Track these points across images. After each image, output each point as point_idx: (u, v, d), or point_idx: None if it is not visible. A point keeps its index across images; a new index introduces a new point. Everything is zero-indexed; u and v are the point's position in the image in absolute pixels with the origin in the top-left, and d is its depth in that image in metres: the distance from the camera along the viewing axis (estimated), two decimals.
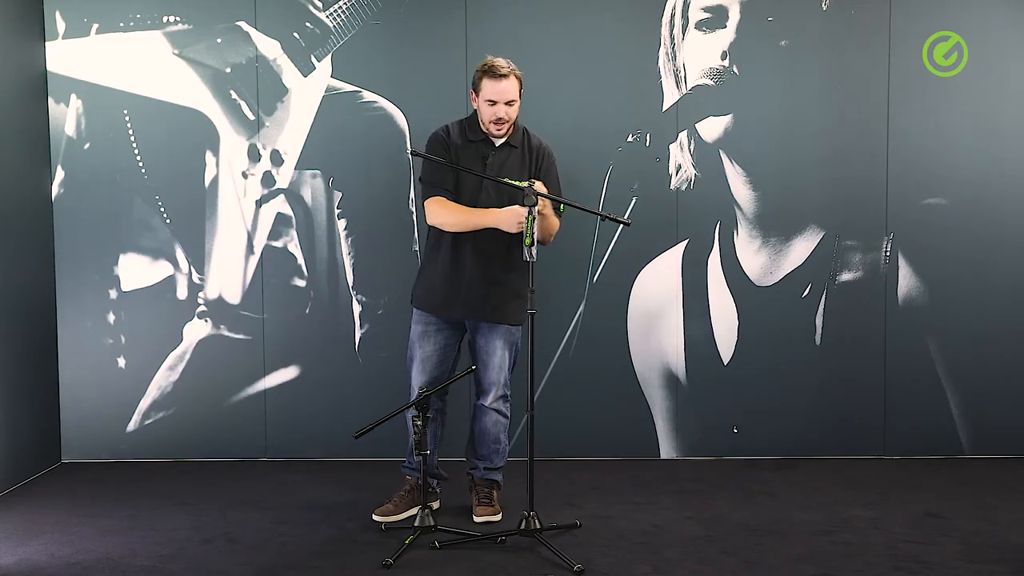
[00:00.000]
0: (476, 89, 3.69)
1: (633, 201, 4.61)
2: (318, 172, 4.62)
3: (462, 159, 3.70)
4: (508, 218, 3.56)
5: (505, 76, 3.62)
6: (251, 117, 4.60)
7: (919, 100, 4.61)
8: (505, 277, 3.72)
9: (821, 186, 4.63)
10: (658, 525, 3.71)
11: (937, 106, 4.61)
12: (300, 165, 4.61)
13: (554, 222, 3.72)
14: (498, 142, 3.74)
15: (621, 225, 3.74)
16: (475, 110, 3.76)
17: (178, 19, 4.58)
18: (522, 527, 3.46)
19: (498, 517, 3.77)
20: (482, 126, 3.73)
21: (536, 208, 3.43)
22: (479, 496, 3.83)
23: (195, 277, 4.64)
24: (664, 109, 4.60)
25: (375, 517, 3.77)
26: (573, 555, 3.30)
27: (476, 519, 3.75)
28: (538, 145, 3.79)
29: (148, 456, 4.67)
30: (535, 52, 4.58)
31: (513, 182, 3.58)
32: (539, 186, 3.54)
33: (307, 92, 4.59)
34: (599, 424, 4.67)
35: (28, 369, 4.41)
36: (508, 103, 3.64)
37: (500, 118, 3.65)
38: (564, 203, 3.64)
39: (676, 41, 4.58)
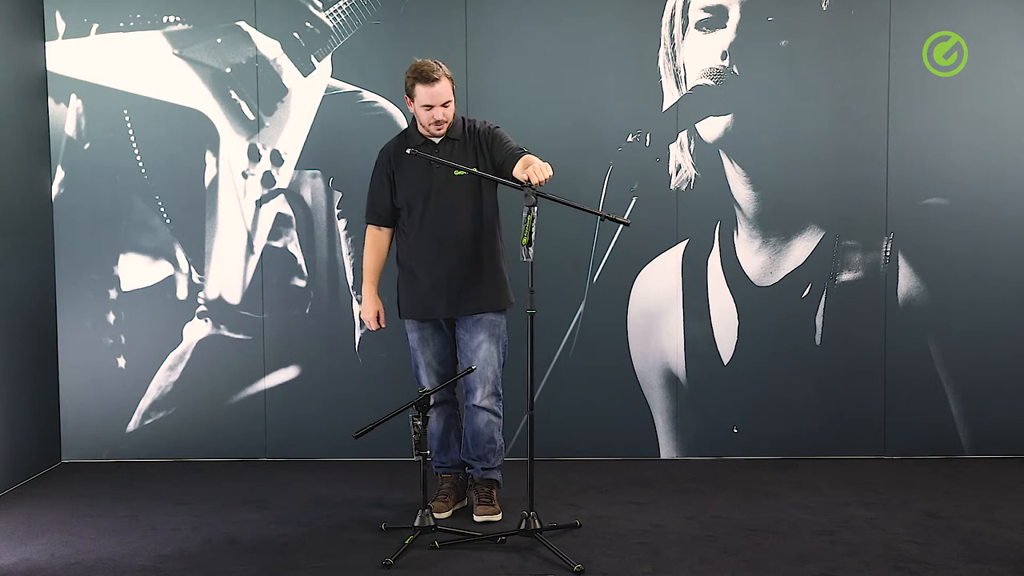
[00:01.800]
0: (410, 95, 3.71)
1: (633, 201, 4.61)
2: (318, 172, 4.62)
3: (407, 168, 3.74)
4: (364, 305, 3.90)
5: (437, 80, 3.64)
6: (251, 117, 4.60)
7: (919, 100, 4.61)
8: (476, 267, 3.75)
9: (821, 186, 4.63)
10: (658, 525, 3.71)
11: (937, 106, 4.61)
12: (300, 165, 4.61)
13: (539, 166, 3.46)
14: (438, 139, 3.76)
15: (621, 225, 3.76)
16: (412, 120, 3.80)
17: (178, 19, 4.58)
18: (522, 527, 3.46)
19: (498, 517, 3.77)
20: (421, 129, 3.76)
21: (534, 208, 3.42)
22: (479, 496, 3.83)
23: (195, 277, 4.64)
24: (664, 109, 4.60)
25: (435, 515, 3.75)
26: (573, 555, 3.30)
27: (476, 518, 3.75)
28: (479, 128, 3.81)
29: (148, 456, 4.67)
30: (535, 52, 4.58)
31: (511, 182, 3.58)
32: (531, 171, 3.43)
33: (307, 92, 4.59)
34: (599, 424, 4.66)
35: (28, 369, 4.41)
36: (444, 104, 3.67)
37: (439, 120, 3.69)
38: (564, 203, 3.62)
39: (676, 41, 4.58)
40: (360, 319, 3.94)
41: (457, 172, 3.68)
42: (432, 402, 3.75)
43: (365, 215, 3.90)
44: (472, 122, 3.82)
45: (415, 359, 3.88)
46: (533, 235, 3.36)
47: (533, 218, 3.39)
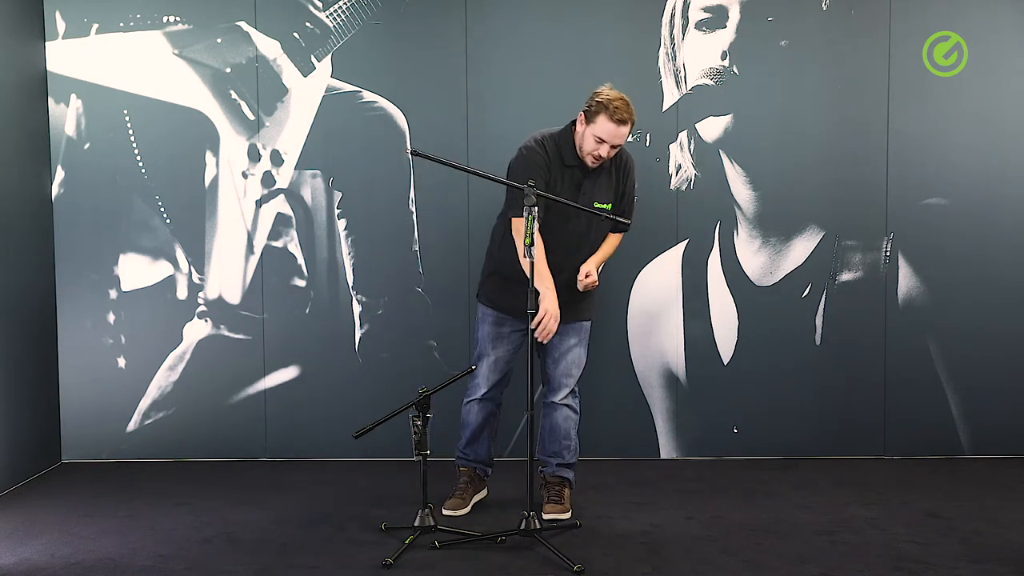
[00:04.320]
0: (589, 118, 3.57)
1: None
2: (318, 172, 4.62)
3: (557, 183, 3.64)
4: (548, 306, 3.48)
5: (625, 124, 3.54)
6: (251, 117, 4.60)
7: (919, 100, 4.61)
8: (576, 285, 3.72)
9: (821, 186, 4.63)
10: (658, 525, 3.71)
11: (937, 106, 4.61)
12: (300, 165, 4.61)
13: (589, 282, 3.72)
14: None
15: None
16: (568, 128, 3.67)
17: (178, 19, 4.58)
18: (522, 527, 3.46)
19: (567, 516, 3.76)
20: (578, 151, 3.64)
21: (535, 209, 3.42)
22: (550, 494, 3.83)
23: (195, 277, 4.64)
24: (664, 109, 4.60)
25: (445, 512, 3.78)
26: (573, 555, 3.30)
27: (544, 516, 3.73)
28: (623, 159, 3.77)
29: (148, 456, 4.67)
30: (535, 52, 4.58)
31: (513, 182, 3.56)
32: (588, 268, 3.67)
33: (307, 92, 4.59)
34: (599, 424, 4.67)
35: (28, 369, 4.41)
36: (614, 146, 3.60)
37: (601, 156, 3.61)
38: (565, 203, 3.62)
39: (676, 41, 4.58)
40: (533, 324, 3.48)
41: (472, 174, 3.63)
42: (476, 395, 3.80)
43: (509, 209, 3.66)
44: (619, 149, 3.74)
45: (481, 350, 3.82)
46: (535, 235, 3.39)
47: (534, 219, 3.39)
